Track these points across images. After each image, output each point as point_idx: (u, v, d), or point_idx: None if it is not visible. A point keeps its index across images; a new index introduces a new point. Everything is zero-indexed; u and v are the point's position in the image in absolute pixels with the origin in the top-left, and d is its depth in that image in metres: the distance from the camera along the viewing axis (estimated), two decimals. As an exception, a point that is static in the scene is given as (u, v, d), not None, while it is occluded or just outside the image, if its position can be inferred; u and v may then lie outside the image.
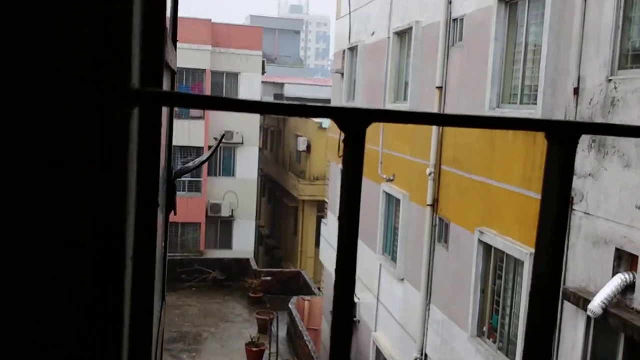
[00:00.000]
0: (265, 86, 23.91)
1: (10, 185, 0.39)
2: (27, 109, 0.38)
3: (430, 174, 7.98)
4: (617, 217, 4.74)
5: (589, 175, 5.11)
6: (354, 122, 0.35)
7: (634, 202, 4.57)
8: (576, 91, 5.25)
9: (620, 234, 4.70)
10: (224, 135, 3.09)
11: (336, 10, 13.37)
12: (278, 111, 0.36)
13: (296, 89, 25.87)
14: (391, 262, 9.58)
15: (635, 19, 4.76)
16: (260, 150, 22.23)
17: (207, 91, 19.11)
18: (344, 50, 12.21)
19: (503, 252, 6.43)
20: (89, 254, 0.40)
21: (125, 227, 0.42)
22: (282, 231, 22.04)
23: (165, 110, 1.30)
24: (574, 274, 5.22)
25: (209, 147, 19.58)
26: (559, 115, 5.51)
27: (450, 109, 7.68)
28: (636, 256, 4.59)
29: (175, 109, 21.02)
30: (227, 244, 20.23)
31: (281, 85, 26.34)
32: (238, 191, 20.04)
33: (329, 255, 12.85)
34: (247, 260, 19.15)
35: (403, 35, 9.45)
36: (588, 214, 5.08)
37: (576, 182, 5.23)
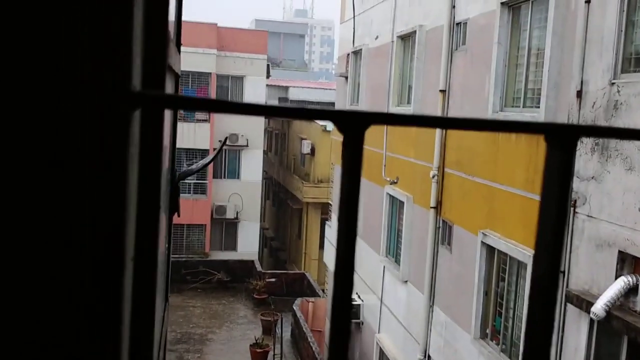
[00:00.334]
0: (270, 89, 24.02)
1: (9, 186, 0.38)
2: (27, 108, 0.38)
3: (433, 176, 8.01)
4: (620, 220, 4.76)
5: (592, 178, 5.13)
6: (353, 125, 0.34)
7: (637, 204, 4.59)
8: (579, 95, 5.28)
9: (623, 237, 4.71)
10: (227, 138, 3.15)
11: (340, 15, 13.44)
12: (277, 114, 0.36)
13: (301, 93, 25.95)
14: (395, 264, 9.60)
15: (638, 23, 4.78)
16: (265, 153, 22.32)
17: (213, 95, 19.23)
18: (348, 54, 12.27)
19: (506, 255, 6.45)
20: (88, 254, 0.40)
21: (125, 228, 0.42)
22: (287, 233, 22.08)
23: (169, 113, 1.29)
24: (577, 276, 5.23)
25: (215, 150, 19.68)
26: (562, 119, 5.54)
27: (453, 113, 7.72)
28: (639, 259, 4.61)
29: (181, 112, 21.05)
30: (232, 246, 20.30)
31: (286, 88, 26.44)
32: (243, 193, 20.12)
33: (333, 258, 12.82)
34: (252, 262, 19.20)
35: (407, 39, 9.50)
36: (591, 216, 5.10)
37: (579, 185, 5.25)
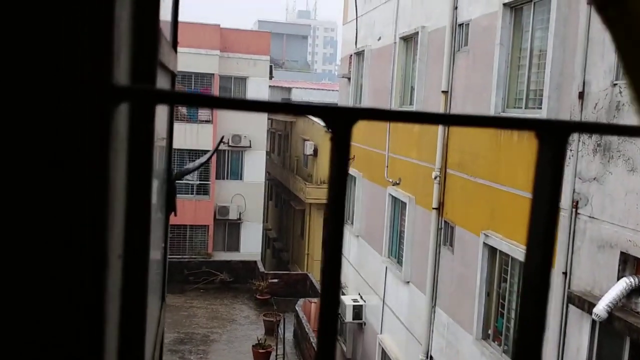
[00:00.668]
0: (273, 90, 24.06)
1: None
2: (2, 104, 0.37)
3: (436, 177, 8.02)
4: (622, 221, 4.75)
5: (594, 179, 5.13)
6: (340, 121, 0.34)
7: (639, 206, 4.58)
8: (581, 95, 5.28)
9: (625, 238, 4.71)
10: (223, 137, 3.16)
11: (343, 16, 13.47)
12: (262, 109, 0.35)
13: (303, 94, 25.98)
14: (397, 265, 9.60)
15: None
16: (267, 154, 22.35)
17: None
18: (351, 55, 12.29)
19: (508, 256, 6.45)
20: (67, 250, 0.39)
21: (107, 224, 0.41)
22: (289, 234, 22.11)
23: (164, 110, 1.28)
24: (579, 277, 5.23)
25: (217, 151, 19.72)
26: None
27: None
28: (641, 260, 4.60)
29: (184, 113, 20.93)
30: (234, 246, 20.34)
31: (289, 89, 26.47)
32: (246, 194, 20.16)
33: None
34: (255, 262, 19.23)
35: (409, 40, 9.51)
36: (593, 217, 5.10)
37: (581, 186, 5.25)
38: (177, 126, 18.94)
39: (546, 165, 0.37)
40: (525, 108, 6.34)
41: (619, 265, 4.76)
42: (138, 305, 0.72)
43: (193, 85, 19.60)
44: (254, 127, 19.91)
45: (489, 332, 6.89)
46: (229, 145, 19.82)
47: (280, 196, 23.71)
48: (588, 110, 5.22)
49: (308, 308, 14.62)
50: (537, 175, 0.37)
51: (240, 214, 20.09)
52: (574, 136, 5.07)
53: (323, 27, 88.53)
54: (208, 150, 18.95)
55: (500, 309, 6.73)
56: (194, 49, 18.64)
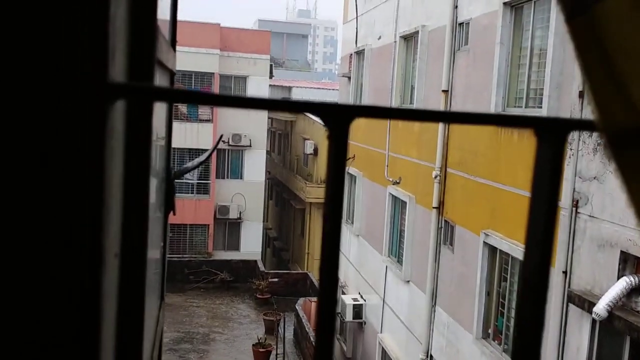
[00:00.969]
0: (273, 90, 24.06)
1: None
2: None
3: (436, 176, 8.02)
4: (622, 220, 4.75)
5: (594, 178, 5.12)
6: (337, 118, 0.33)
7: None
8: (582, 95, 5.27)
9: (625, 237, 4.71)
10: (221, 137, 3.16)
11: (343, 15, 13.45)
12: (258, 106, 0.35)
13: (304, 93, 25.97)
14: (397, 264, 9.60)
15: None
16: (268, 153, 22.34)
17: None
18: (351, 54, 12.28)
19: (508, 255, 6.44)
20: (62, 250, 0.39)
21: (102, 222, 0.41)
22: (290, 233, 22.12)
23: (163, 108, 1.28)
24: (579, 276, 5.23)
25: (217, 150, 19.72)
26: (564, 119, 5.53)
27: (456, 112, 7.71)
28: (641, 259, 4.60)
29: (184, 112, 20.91)
30: (235, 245, 20.35)
31: (289, 88, 26.46)
32: (246, 194, 20.16)
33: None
34: (255, 262, 19.23)
35: (409, 39, 9.50)
36: (593, 217, 5.10)
37: (581, 185, 5.25)
38: (177, 125, 18.96)
39: (545, 164, 0.36)
40: (525, 107, 6.33)
41: (619, 265, 4.76)
42: (136, 304, 0.72)
43: (193, 84, 19.60)
44: (254, 126, 19.91)
45: (489, 331, 6.89)
46: (229, 145, 19.82)
47: (280, 195, 23.72)
48: (588, 109, 5.22)
49: (308, 307, 14.63)
50: (536, 174, 0.37)
51: (240, 213, 20.10)
52: (574, 135, 5.06)
53: (323, 26, 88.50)
54: (208, 149, 18.94)
55: (500, 308, 6.73)
56: (194, 48, 18.63)
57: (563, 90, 5.59)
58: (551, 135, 0.36)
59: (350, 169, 11.79)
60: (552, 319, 5.43)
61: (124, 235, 0.63)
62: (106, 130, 0.40)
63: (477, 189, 7.13)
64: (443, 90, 7.98)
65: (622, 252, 4.73)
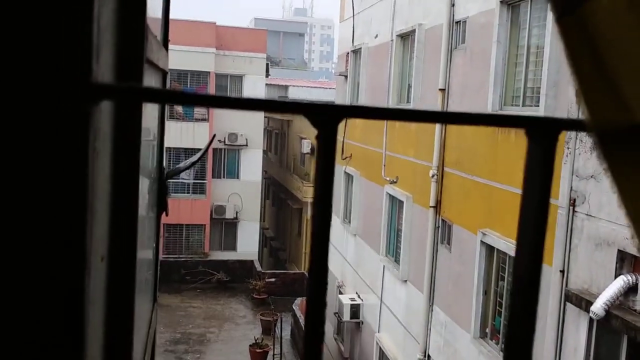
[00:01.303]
0: (270, 88, 24.01)
1: None
2: None
3: (433, 176, 8.01)
4: (619, 219, 4.75)
5: (591, 177, 5.12)
6: (325, 119, 0.34)
7: (636, 203, 4.57)
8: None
9: (622, 236, 4.71)
10: (214, 136, 3.14)
11: (340, 14, 13.43)
12: (246, 106, 0.34)
13: (300, 92, 25.94)
14: (394, 263, 9.60)
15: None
16: (264, 152, 22.31)
17: (212, 93, 19.19)
18: (348, 53, 12.26)
19: (506, 254, 6.44)
20: (43, 253, 0.39)
21: (86, 225, 0.40)
22: (287, 233, 22.09)
23: (155, 108, 1.27)
24: (577, 275, 5.23)
25: (213, 150, 19.67)
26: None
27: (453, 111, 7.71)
28: (639, 258, 4.60)
29: (180, 111, 20.85)
30: (231, 245, 20.30)
31: (285, 87, 26.43)
32: (242, 193, 20.12)
33: (332, 257, 12.87)
34: (252, 262, 19.20)
35: (406, 38, 9.49)
36: (590, 215, 5.09)
37: (578, 184, 5.24)
38: (173, 124, 18.90)
39: (536, 164, 0.36)
40: (522, 105, 6.33)
41: (616, 263, 4.76)
42: (125, 307, 0.71)
43: (189, 83, 19.54)
44: (250, 126, 19.87)
45: (487, 330, 6.89)
46: (226, 144, 19.77)
47: (277, 195, 23.69)
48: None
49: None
50: (527, 174, 0.36)
51: (237, 213, 20.05)
52: (571, 134, 5.06)
53: (320, 24, 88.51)
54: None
55: (497, 307, 6.73)
56: (189, 47, 18.56)
57: (560, 88, 5.58)
58: (542, 135, 0.36)
59: (348, 168, 11.77)
60: (549, 318, 5.43)
61: (112, 238, 0.62)
62: (90, 130, 0.39)
63: (474, 188, 7.13)
64: (440, 89, 7.97)
65: (619, 250, 4.73)
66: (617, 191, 0.33)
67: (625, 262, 4.72)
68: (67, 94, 0.38)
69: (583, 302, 4.91)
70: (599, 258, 4.95)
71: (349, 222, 11.84)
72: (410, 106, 9.05)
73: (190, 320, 15.55)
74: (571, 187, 5.31)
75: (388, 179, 9.63)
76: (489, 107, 6.73)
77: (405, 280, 9.09)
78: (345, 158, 11.69)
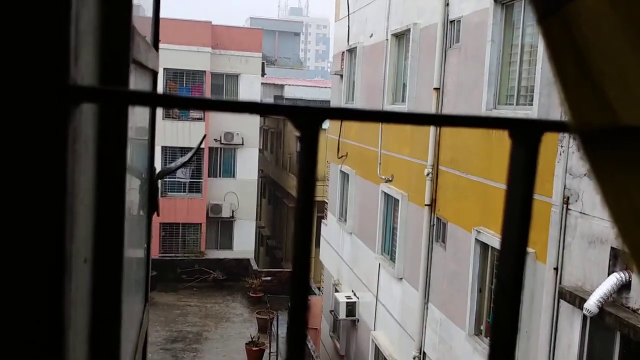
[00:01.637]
0: (266, 88, 23.98)
1: None
2: None
3: (428, 174, 8.03)
4: (612, 217, 4.78)
5: (585, 175, 5.15)
6: (307, 121, 0.34)
7: (629, 201, 4.61)
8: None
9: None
10: (204, 136, 3.15)
11: (335, 13, 13.43)
12: (230, 109, 0.35)
13: (296, 91, 25.92)
14: (390, 261, 9.62)
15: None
16: (260, 151, 22.28)
17: (208, 93, 19.18)
18: (343, 52, 12.26)
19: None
20: (20, 256, 0.38)
21: (65, 228, 0.40)
22: (283, 232, 22.09)
23: (145, 109, 1.26)
24: (570, 273, 5.26)
25: (209, 149, 19.64)
26: (555, 116, 5.56)
27: (447, 110, 7.73)
28: (631, 255, 4.63)
29: (175, 111, 20.77)
30: (227, 244, 20.28)
31: (281, 87, 26.40)
32: (238, 192, 20.10)
33: (328, 256, 12.88)
34: (248, 260, 19.19)
35: (401, 37, 9.50)
36: (584, 213, 5.13)
37: (572, 182, 5.28)
38: (169, 123, 18.84)
39: (519, 165, 0.36)
40: (516, 105, 6.35)
41: (609, 261, 4.79)
42: (111, 308, 0.70)
43: (185, 82, 19.48)
44: (246, 125, 19.84)
45: (482, 327, 6.92)
46: (222, 143, 19.74)
47: (273, 193, 23.67)
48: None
49: (301, 305, 14.62)
50: (511, 175, 0.36)
51: (233, 211, 20.03)
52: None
53: (315, 24, 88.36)
54: (200, 148, 18.86)
55: (492, 304, 6.76)
56: (185, 46, 18.51)
57: (554, 87, 5.61)
58: (525, 137, 0.36)
59: (343, 167, 11.78)
60: (543, 315, 5.46)
61: (97, 240, 0.62)
62: (68, 133, 0.39)
63: (469, 187, 7.16)
64: (435, 88, 7.99)
65: (612, 248, 4.77)
66: (601, 191, 0.34)
67: (619, 259, 4.76)
68: (43, 96, 0.37)
69: (577, 300, 4.94)
70: (593, 255, 4.98)
71: (345, 220, 11.85)
72: (405, 105, 9.07)
73: (187, 318, 15.53)
74: (565, 185, 5.34)
75: (383, 177, 9.65)
76: (483, 106, 6.76)
77: (401, 278, 9.12)
78: (341, 157, 11.70)
